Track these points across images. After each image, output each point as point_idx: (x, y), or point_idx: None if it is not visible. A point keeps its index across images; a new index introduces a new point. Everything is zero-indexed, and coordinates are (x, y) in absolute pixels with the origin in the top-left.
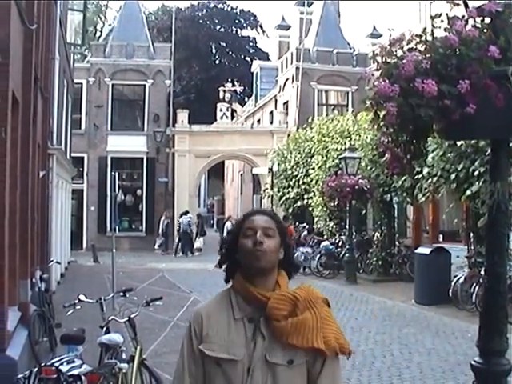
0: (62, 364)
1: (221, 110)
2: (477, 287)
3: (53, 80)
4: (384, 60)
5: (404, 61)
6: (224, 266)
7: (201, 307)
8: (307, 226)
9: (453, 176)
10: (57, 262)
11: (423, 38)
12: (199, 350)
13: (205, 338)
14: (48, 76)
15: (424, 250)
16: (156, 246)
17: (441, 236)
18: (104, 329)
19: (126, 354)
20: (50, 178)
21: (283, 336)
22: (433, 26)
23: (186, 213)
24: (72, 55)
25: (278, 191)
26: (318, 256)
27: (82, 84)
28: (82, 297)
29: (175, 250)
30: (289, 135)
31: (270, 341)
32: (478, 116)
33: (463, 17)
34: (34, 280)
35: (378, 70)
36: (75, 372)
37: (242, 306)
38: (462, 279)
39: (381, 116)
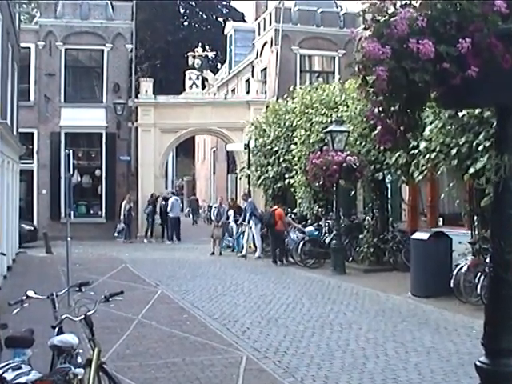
0: (6, 371)
1: (190, 79)
2: (482, 277)
3: None
4: (374, 18)
5: (396, 18)
6: None
7: None
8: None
9: (454, 151)
10: (2, 254)
11: None
12: None
13: None
14: None
15: (421, 235)
16: (116, 234)
17: (440, 219)
18: (56, 329)
19: (81, 357)
20: None
21: None
22: None
23: (173, 194)
24: (17, 15)
25: (256, 170)
26: (302, 243)
27: (29, 49)
28: (30, 293)
29: (166, 237)
30: (267, 107)
31: None
32: (482, 80)
33: None
34: None
35: (366, 29)
36: (22, 380)
37: None
38: (464, 268)
39: (370, 82)
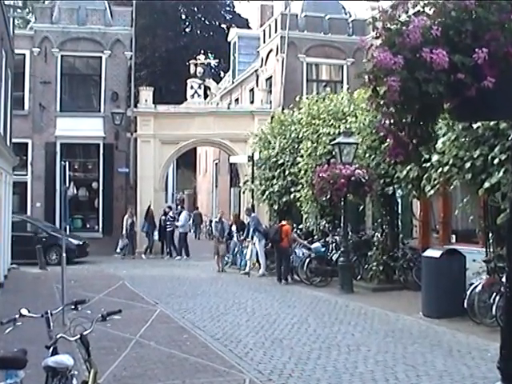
0: None
1: (192, 88)
2: (497, 297)
3: None
4: (385, 26)
5: (409, 27)
6: None
7: None
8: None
9: (468, 165)
10: None
11: (432, 0)
12: None
13: None
14: None
15: (433, 252)
16: (118, 249)
17: (453, 236)
18: (51, 349)
19: (77, 379)
20: None
21: None
22: None
23: (183, 208)
24: (11, 20)
25: (261, 184)
26: (308, 260)
27: (24, 55)
28: (23, 311)
29: (165, 253)
30: (273, 117)
31: None
32: (498, 92)
33: None
34: None
35: (377, 37)
36: None
37: None
38: (479, 287)
39: (381, 93)
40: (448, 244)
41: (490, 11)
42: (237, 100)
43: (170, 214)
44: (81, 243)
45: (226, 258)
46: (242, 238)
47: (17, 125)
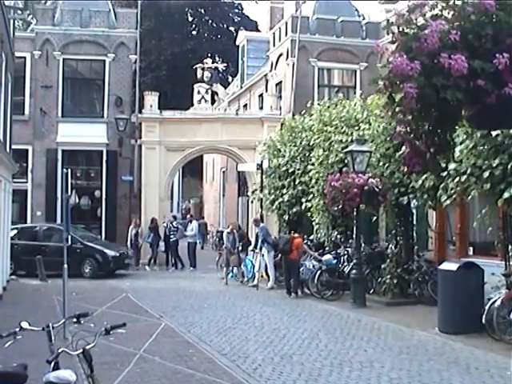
0: None
1: (198, 93)
2: None
3: None
4: (401, 30)
5: (426, 31)
6: None
7: None
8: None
9: (486, 174)
10: None
11: (451, 3)
12: None
13: None
14: None
15: (450, 265)
16: (125, 261)
17: (471, 248)
18: (52, 364)
19: None
20: None
21: None
22: None
23: (192, 218)
24: (12, 22)
25: (270, 193)
26: (319, 273)
27: (25, 58)
28: (24, 324)
29: (170, 264)
30: (282, 124)
31: None
32: None
33: None
34: None
35: (393, 42)
36: None
37: None
38: (498, 302)
39: (397, 100)
40: (465, 256)
41: (511, 15)
42: (245, 106)
43: (174, 223)
44: (117, 255)
45: (235, 270)
46: (239, 248)
47: (17, 130)
